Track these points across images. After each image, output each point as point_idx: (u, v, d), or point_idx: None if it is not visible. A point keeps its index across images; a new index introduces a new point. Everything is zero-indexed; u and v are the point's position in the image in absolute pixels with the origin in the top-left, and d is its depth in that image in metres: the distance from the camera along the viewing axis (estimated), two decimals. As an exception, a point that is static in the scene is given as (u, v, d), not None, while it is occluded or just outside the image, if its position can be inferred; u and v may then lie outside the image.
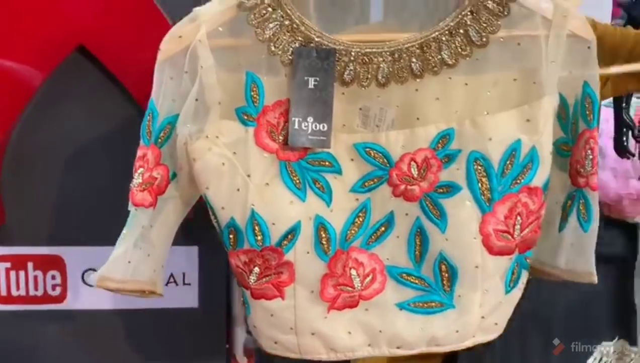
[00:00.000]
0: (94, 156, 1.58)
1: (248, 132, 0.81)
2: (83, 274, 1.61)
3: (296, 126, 0.80)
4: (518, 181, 0.80)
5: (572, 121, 0.83)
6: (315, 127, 0.80)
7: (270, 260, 0.82)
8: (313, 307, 0.83)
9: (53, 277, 1.58)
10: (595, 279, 0.86)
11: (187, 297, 1.68)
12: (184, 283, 1.67)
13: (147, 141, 0.86)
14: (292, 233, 0.81)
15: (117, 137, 1.58)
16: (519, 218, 0.80)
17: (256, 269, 0.82)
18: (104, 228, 1.63)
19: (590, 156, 0.82)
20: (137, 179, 0.87)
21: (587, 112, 0.82)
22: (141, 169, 0.87)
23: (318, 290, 0.83)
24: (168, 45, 0.83)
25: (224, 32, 0.81)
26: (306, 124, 0.80)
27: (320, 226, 0.81)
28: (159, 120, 0.86)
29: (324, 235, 0.82)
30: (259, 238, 0.81)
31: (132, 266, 0.91)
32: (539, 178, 0.80)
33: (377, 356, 0.87)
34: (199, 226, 1.70)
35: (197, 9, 0.82)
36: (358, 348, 0.85)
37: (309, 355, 0.86)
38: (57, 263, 1.59)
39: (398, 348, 0.84)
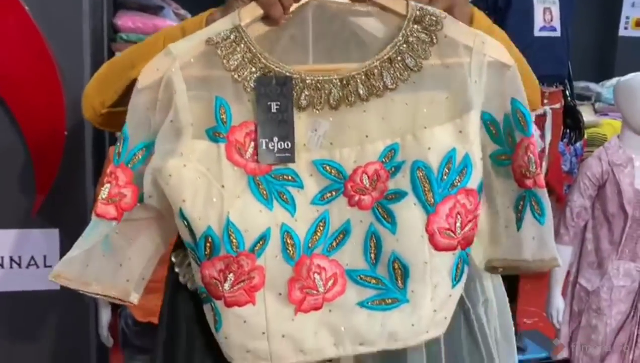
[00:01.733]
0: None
1: (220, 148, 0.88)
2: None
3: (264, 147, 0.89)
4: (455, 184, 0.89)
5: (506, 134, 0.93)
6: (280, 146, 0.89)
7: (244, 265, 0.87)
8: (282, 309, 0.88)
9: None
10: (560, 262, 0.97)
11: (48, 280, 1.68)
12: (45, 266, 1.68)
13: (117, 161, 0.93)
14: (263, 239, 0.87)
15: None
16: (459, 216, 0.89)
17: (231, 275, 0.87)
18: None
19: (533, 160, 0.92)
20: (103, 194, 0.93)
21: (522, 124, 0.92)
22: (108, 185, 0.93)
23: (286, 292, 0.88)
24: (144, 76, 0.91)
25: (195, 63, 0.90)
26: (272, 144, 0.89)
27: (286, 233, 0.88)
28: (132, 144, 0.92)
29: (289, 241, 0.88)
30: (235, 243, 0.86)
31: (95, 271, 0.94)
32: (474, 181, 0.90)
33: (342, 356, 0.91)
34: (59, 210, 1.74)
35: (170, 45, 0.90)
36: (324, 348, 0.90)
37: (279, 360, 0.90)
38: None
39: (361, 345, 0.89)
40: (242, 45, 0.91)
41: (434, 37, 0.91)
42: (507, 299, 1.06)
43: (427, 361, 0.94)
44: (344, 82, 0.90)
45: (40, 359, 1.73)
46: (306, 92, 0.91)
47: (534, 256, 0.95)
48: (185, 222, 0.87)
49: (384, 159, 0.89)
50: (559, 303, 2.21)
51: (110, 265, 0.95)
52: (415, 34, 0.91)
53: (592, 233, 2.15)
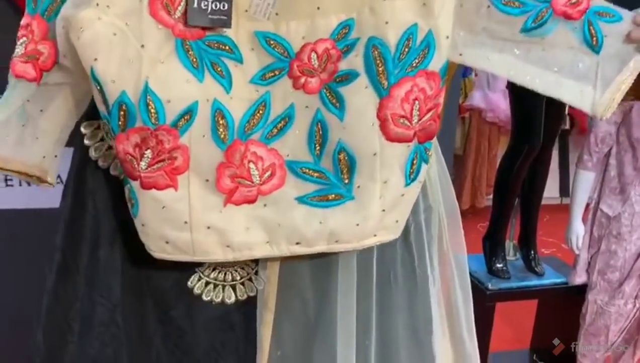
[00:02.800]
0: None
1: (142, 2, 0.75)
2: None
3: (195, 5, 0.76)
4: (415, 65, 0.77)
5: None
6: (215, 6, 0.76)
7: (164, 142, 0.75)
8: (208, 197, 0.78)
9: None
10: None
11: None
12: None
13: (32, 10, 0.79)
14: (188, 114, 0.75)
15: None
16: (416, 103, 0.77)
17: (148, 152, 0.75)
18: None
19: None
20: (19, 49, 0.80)
21: None
22: (24, 39, 0.80)
23: (214, 178, 0.77)
24: None
25: None
26: (206, 3, 0.76)
27: (218, 111, 0.76)
28: None
29: (221, 122, 0.77)
30: (153, 114, 0.74)
31: (13, 144, 0.85)
32: (436, 63, 0.78)
33: (276, 256, 0.82)
34: (74, 129, 1.74)
35: None
36: (256, 245, 0.80)
37: (203, 255, 0.79)
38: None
39: (297, 244, 0.80)
40: None
41: None
42: (458, 211, 0.96)
43: (357, 267, 0.86)
44: None
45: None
46: None
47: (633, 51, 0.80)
48: (98, 86, 0.75)
49: (336, 37, 0.78)
50: (579, 229, 2.20)
51: (28, 137, 0.85)
52: None
53: (616, 159, 2.13)
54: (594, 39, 0.80)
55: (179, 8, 0.76)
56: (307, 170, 0.80)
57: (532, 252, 2.42)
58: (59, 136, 0.88)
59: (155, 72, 0.74)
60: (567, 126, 3.64)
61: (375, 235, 0.81)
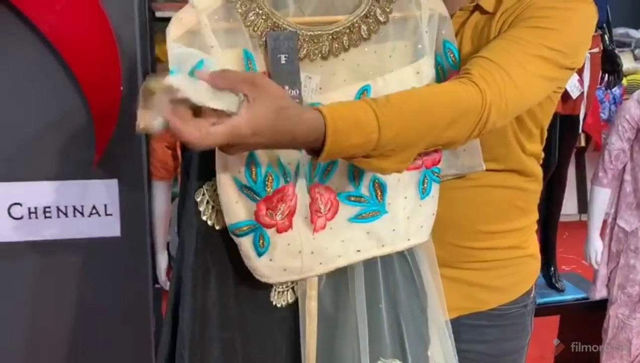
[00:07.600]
0: (6, 94, 1.66)
1: None
2: (9, 208, 1.70)
3: None
4: None
5: (437, 68, 1.12)
6: (291, 93, 1.01)
7: (290, 194, 1.02)
8: (307, 230, 1.04)
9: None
10: (484, 166, 1.16)
11: (109, 227, 1.78)
12: (106, 214, 1.78)
13: None
14: (297, 169, 1.03)
15: (28, 75, 1.67)
16: None
17: (283, 206, 1.02)
18: (26, 164, 1.73)
19: None
20: None
21: (452, 60, 1.11)
22: None
23: (309, 216, 1.04)
24: (173, 28, 0.99)
25: (220, 18, 1.00)
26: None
27: (302, 165, 1.04)
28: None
29: (300, 173, 1.04)
30: (286, 175, 1.02)
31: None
32: None
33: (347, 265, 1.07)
34: (117, 161, 1.82)
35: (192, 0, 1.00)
36: (335, 259, 1.06)
37: (307, 272, 1.05)
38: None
39: (358, 251, 1.07)
40: (255, 3, 1.02)
41: None
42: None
43: (364, 273, 1.10)
44: (334, 36, 1.05)
45: (100, 301, 1.83)
46: (305, 46, 1.04)
47: (464, 164, 1.16)
48: (252, 158, 0.98)
49: (360, 98, 1.04)
50: (597, 245, 2.25)
51: None
52: None
53: (631, 175, 2.18)
54: None
55: None
56: (352, 197, 1.06)
57: (552, 269, 2.46)
58: None
59: None
60: (583, 144, 3.67)
61: (409, 239, 1.10)
